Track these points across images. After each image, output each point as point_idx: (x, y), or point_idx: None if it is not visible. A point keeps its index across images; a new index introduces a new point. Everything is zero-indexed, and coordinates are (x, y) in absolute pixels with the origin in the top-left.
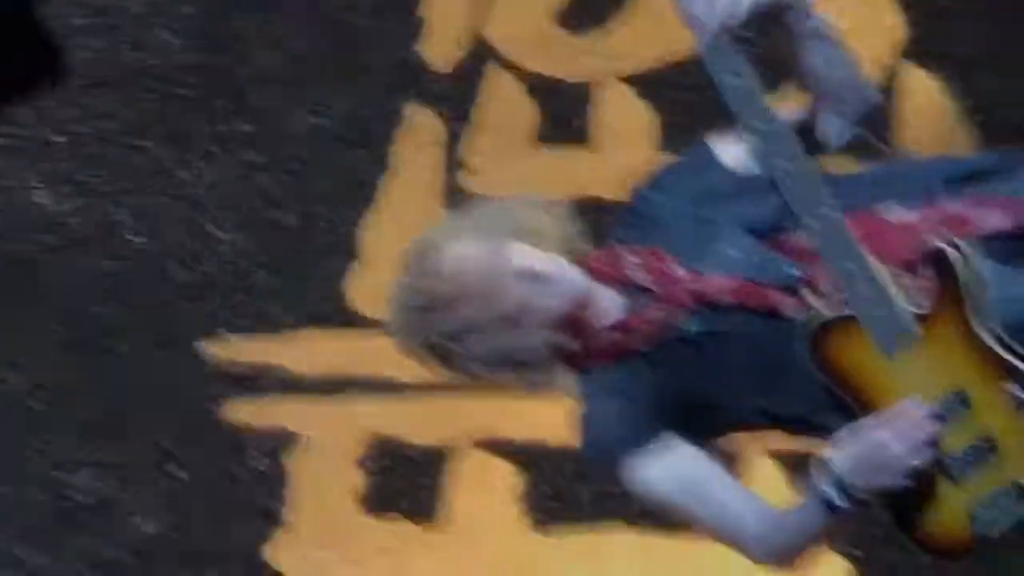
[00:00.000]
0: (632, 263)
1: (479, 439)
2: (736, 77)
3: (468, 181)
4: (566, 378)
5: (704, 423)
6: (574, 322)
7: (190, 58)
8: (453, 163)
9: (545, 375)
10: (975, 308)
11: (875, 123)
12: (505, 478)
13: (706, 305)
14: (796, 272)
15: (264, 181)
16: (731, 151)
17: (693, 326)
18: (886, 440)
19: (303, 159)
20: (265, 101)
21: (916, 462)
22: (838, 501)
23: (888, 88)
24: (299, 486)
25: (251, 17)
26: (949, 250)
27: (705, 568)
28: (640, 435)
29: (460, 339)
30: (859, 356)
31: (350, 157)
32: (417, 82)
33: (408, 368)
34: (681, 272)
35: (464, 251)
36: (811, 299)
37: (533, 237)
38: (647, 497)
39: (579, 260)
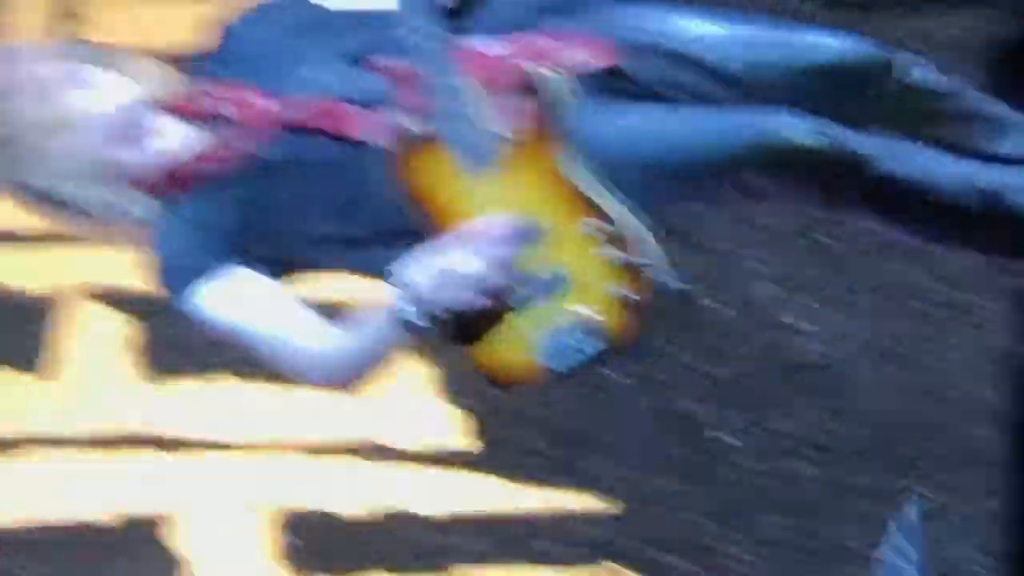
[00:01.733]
0: (214, 95)
1: (94, 289)
2: None
3: (80, 31)
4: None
5: (281, 252)
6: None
7: None
8: (67, 12)
9: (124, 210)
10: (560, 136)
11: None
12: (119, 328)
13: (287, 129)
14: (382, 86)
15: None
16: None
17: (268, 152)
18: (460, 254)
19: None
20: None
21: (489, 278)
22: (411, 318)
23: None
24: None
25: None
26: (541, 75)
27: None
28: (205, 261)
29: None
30: (441, 176)
31: None
32: None
33: (22, 218)
34: (261, 98)
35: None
36: (399, 117)
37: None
38: (209, 324)
39: (159, 101)
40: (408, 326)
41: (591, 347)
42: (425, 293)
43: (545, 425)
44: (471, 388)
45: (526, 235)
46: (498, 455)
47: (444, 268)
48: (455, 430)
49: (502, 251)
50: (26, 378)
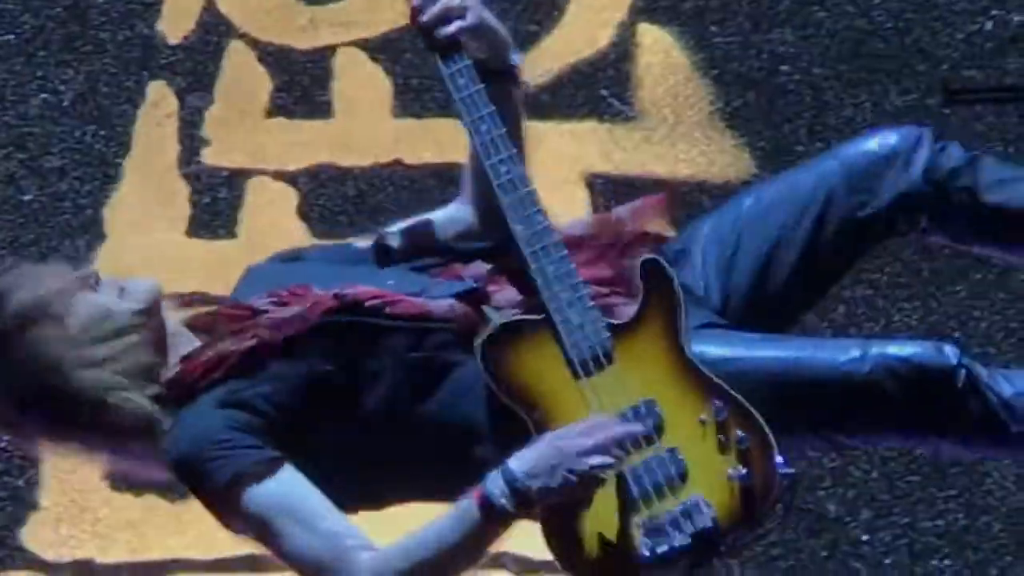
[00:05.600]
0: (261, 300)
1: None
2: (467, 83)
3: (206, 154)
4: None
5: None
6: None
7: None
8: (192, 137)
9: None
10: (682, 318)
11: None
12: None
13: (344, 316)
14: (469, 284)
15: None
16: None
17: (319, 345)
18: (569, 441)
19: (38, 137)
20: None
21: (597, 463)
22: (503, 500)
23: (623, 46)
24: (48, 464)
25: None
26: (662, 260)
27: None
28: (244, 457)
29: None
30: (541, 367)
31: (87, 134)
32: (152, 57)
33: None
34: (319, 290)
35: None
36: (488, 310)
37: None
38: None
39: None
40: (492, 511)
41: (690, 533)
42: (523, 476)
43: None
44: None
45: (639, 420)
46: None
47: (547, 452)
48: None
49: (613, 434)
50: (165, 501)
